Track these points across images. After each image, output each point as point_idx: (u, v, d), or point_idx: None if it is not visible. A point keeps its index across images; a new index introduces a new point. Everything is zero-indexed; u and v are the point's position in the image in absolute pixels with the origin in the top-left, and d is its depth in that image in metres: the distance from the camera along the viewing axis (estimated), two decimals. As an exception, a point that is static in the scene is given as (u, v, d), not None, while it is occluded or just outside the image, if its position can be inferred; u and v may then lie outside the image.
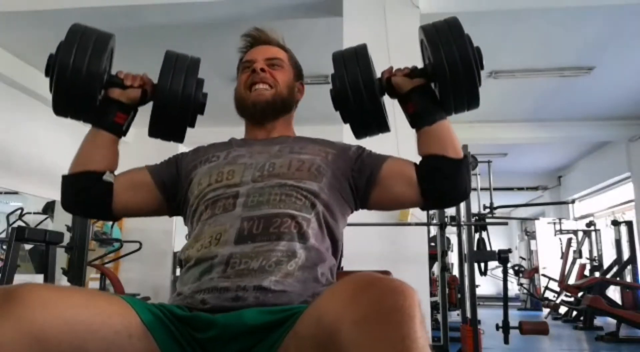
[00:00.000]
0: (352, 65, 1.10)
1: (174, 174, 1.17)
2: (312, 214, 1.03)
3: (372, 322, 0.64)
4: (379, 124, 1.14)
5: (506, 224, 4.17)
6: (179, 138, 1.17)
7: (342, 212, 1.13)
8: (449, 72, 1.03)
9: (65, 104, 1.06)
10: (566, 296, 6.98)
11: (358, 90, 1.08)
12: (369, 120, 1.13)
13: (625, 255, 6.39)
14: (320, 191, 1.06)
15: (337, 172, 1.11)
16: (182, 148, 1.34)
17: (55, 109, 1.08)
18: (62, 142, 5.61)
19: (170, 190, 1.16)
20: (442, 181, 1.09)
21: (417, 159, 1.14)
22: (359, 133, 1.17)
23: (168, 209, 1.18)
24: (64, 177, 1.14)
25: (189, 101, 1.10)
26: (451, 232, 4.16)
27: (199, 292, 0.94)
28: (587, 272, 7.27)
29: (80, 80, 1.02)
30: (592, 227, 7.51)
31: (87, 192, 1.12)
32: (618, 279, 6.34)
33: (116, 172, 1.17)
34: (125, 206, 1.15)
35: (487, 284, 8.78)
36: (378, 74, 1.15)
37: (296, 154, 1.12)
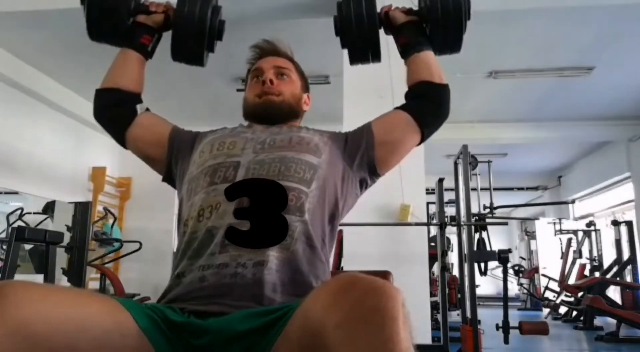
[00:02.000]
0: None
1: (189, 145, 1.20)
2: (310, 188, 1.04)
3: (354, 324, 0.63)
4: (374, 52, 1.26)
5: (506, 224, 4.17)
6: (199, 61, 1.28)
7: (342, 192, 1.12)
8: (441, 14, 1.18)
9: (98, 28, 1.21)
10: (566, 296, 6.98)
11: (361, 19, 1.19)
12: (366, 48, 1.25)
13: (625, 255, 6.39)
14: (319, 166, 1.07)
15: (333, 152, 1.13)
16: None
17: (89, 33, 1.22)
18: (62, 142, 5.62)
19: (175, 154, 1.19)
20: (433, 105, 1.21)
21: None
22: (354, 58, 1.28)
23: (164, 169, 1.21)
24: (97, 91, 1.26)
25: (205, 24, 1.21)
26: (451, 232, 4.16)
27: (199, 268, 0.95)
28: (587, 272, 7.27)
29: (109, 3, 1.18)
30: (592, 227, 7.51)
31: (113, 109, 1.24)
32: (618, 279, 6.34)
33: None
34: (134, 140, 1.22)
35: (487, 284, 8.79)
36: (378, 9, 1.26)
37: (296, 132, 1.15)
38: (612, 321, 5.37)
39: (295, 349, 0.75)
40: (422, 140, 1.21)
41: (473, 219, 3.60)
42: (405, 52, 1.25)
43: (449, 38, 1.23)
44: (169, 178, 1.23)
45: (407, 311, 0.66)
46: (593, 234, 7.56)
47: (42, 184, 5.03)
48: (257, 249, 0.95)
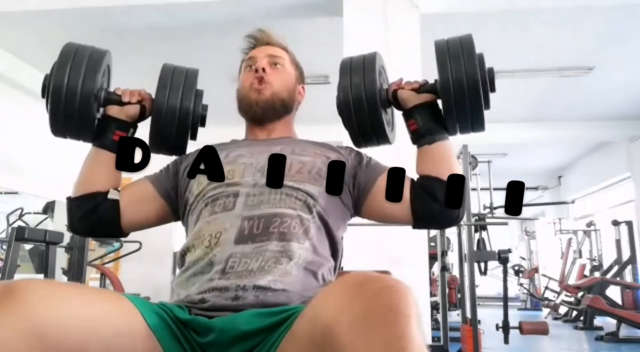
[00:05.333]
0: (357, 76, 1.09)
1: (175, 179, 1.17)
2: (311, 215, 1.04)
3: (367, 322, 0.64)
4: (379, 137, 1.13)
5: (506, 224, 4.17)
6: (180, 151, 1.17)
7: (342, 217, 1.13)
8: (454, 91, 1.01)
9: (62, 125, 1.05)
10: (566, 296, 6.98)
11: (360, 103, 1.07)
12: (368, 132, 1.12)
13: (625, 255, 6.39)
14: (319, 195, 1.06)
15: None
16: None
17: (52, 130, 1.07)
18: (62, 142, 5.61)
19: (174, 197, 1.16)
20: (435, 205, 1.05)
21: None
22: (357, 142, 1.17)
23: (174, 216, 1.18)
24: (69, 200, 1.13)
25: (188, 116, 1.08)
26: (451, 232, 4.17)
27: (199, 293, 0.94)
28: (587, 272, 7.27)
29: (76, 101, 1.00)
30: (592, 227, 7.51)
31: (94, 213, 1.11)
32: (618, 279, 6.34)
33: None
34: (134, 221, 1.14)
35: (487, 284, 8.78)
36: (387, 83, 1.14)
37: (297, 156, 1.12)
38: (612, 321, 5.37)
39: (304, 347, 0.74)
40: (414, 228, 1.13)
41: (473, 219, 3.60)
42: (415, 140, 1.11)
43: (466, 119, 1.05)
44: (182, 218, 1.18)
45: (419, 309, 0.67)
46: (593, 234, 7.56)
47: (42, 184, 5.03)
48: (259, 276, 0.93)
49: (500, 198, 6.72)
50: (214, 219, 1.02)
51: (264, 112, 1.18)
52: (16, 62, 4.45)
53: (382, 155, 1.22)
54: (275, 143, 1.17)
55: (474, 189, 5.72)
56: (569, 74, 4.77)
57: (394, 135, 1.18)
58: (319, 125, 3.91)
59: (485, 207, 6.01)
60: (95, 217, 1.11)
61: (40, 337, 0.71)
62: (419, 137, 1.10)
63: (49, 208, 5.13)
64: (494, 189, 6.28)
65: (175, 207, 1.16)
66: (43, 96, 1.03)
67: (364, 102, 1.07)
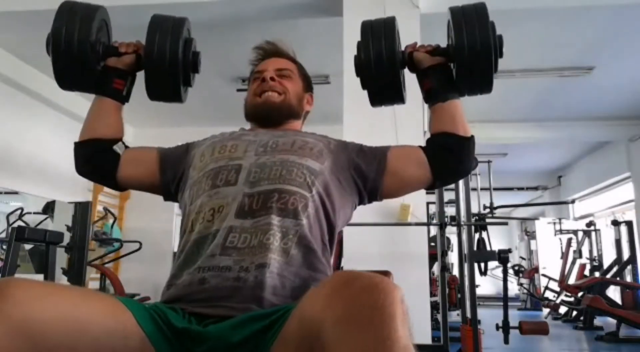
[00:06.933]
0: (378, 37, 1.15)
1: (181, 158, 1.19)
2: (310, 193, 1.04)
3: (351, 322, 0.63)
4: (395, 95, 1.20)
5: (506, 224, 4.16)
6: (177, 98, 1.21)
7: (343, 203, 1.12)
8: (468, 54, 1.08)
9: (64, 74, 1.13)
10: (566, 296, 6.98)
11: (380, 61, 1.13)
12: (386, 91, 1.19)
13: (625, 255, 6.39)
14: (320, 172, 1.07)
15: (338, 160, 1.13)
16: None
17: (58, 81, 1.14)
18: (62, 142, 5.61)
19: (170, 173, 1.18)
20: (453, 158, 1.14)
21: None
22: (374, 101, 1.22)
23: (162, 190, 1.20)
24: (75, 144, 1.21)
25: (177, 61, 1.14)
26: (451, 232, 4.16)
27: (200, 269, 0.95)
28: (587, 272, 7.27)
29: (73, 48, 1.08)
30: (592, 227, 7.51)
31: (95, 160, 1.19)
32: (618, 279, 6.34)
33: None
34: (128, 176, 1.20)
35: (487, 284, 8.78)
36: (402, 47, 1.21)
37: (300, 136, 1.15)
38: (612, 321, 5.37)
39: (293, 347, 0.75)
40: (431, 188, 1.19)
41: (473, 219, 3.60)
42: (430, 98, 1.18)
43: (477, 80, 1.14)
44: (170, 197, 1.22)
45: (407, 307, 0.66)
46: (593, 234, 7.56)
47: (42, 184, 5.03)
48: (259, 253, 0.94)
49: (500, 198, 6.74)
50: (216, 192, 1.02)
51: (272, 114, 1.21)
52: (16, 62, 4.45)
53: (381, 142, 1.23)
54: (279, 130, 1.20)
55: (474, 189, 5.72)
56: (569, 74, 4.77)
57: (406, 95, 1.23)
58: (319, 125, 3.91)
59: (485, 207, 6.02)
60: (96, 162, 1.20)
61: (28, 336, 0.70)
62: (433, 96, 1.17)
63: (49, 208, 5.12)
64: (494, 189, 6.28)
65: (165, 183, 1.18)
66: (48, 52, 1.11)
67: (384, 62, 1.13)
